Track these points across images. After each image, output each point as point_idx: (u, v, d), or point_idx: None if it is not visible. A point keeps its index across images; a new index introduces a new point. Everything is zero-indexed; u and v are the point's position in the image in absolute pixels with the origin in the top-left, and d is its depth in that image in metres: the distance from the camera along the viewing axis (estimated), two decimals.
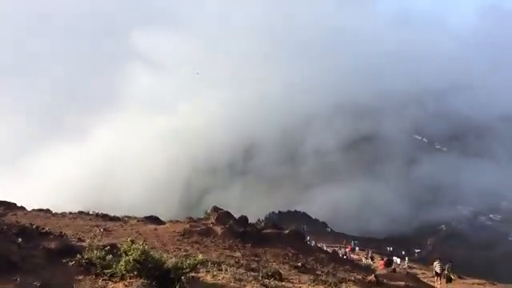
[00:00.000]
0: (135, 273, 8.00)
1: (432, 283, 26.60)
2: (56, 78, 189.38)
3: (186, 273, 8.25)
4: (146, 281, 7.72)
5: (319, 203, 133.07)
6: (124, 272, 8.13)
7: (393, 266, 31.25)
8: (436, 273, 29.14)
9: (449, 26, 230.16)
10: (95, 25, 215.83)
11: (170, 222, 23.13)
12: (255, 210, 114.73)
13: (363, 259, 41.81)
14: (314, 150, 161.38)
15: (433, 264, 31.30)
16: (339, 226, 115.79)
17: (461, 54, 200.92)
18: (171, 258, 9.39)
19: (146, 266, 7.95)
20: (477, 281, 32.45)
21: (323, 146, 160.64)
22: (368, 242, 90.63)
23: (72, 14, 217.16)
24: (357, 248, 65.90)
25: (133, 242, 8.55)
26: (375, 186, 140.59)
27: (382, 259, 35.02)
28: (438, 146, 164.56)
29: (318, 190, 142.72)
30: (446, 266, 29.38)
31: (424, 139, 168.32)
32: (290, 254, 21.28)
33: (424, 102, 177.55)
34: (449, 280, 27.76)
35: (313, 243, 44.75)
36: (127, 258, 8.06)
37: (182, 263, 8.27)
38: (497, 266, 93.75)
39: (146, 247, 8.56)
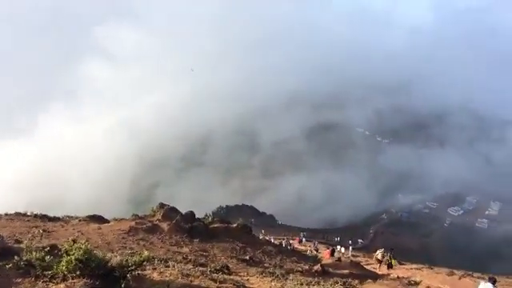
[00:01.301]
0: (77, 273, 7.73)
1: (374, 269, 27.74)
2: (12, 73, 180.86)
3: (132, 270, 8.08)
4: (89, 280, 7.48)
5: (279, 193, 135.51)
6: (66, 272, 7.83)
7: (336, 255, 32.24)
8: (378, 260, 30.44)
9: (405, 22, 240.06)
10: (56, 20, 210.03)
11: (115, 220, 22.54)
12: (214, 201, 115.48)
13: (308, 250, 42.77)
14: (273, 139, 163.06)
15: (376, 252, 32.68)
16: (301, 215, 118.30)
17: (418, 48, 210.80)
18: (116, 256, 9.16)
19: (89, 266, 7.70)
20: (415, 266, 34.20)
21: (282, 136, 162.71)
22: (316, 233, 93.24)
23: (32, 9, 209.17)
24: (304, 239, 67.30)
25: (74, 241, 8.26)
26: (335, 175, 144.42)
27: (328, 249, 36.01)
28: (379, 139, 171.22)
29: (278, 180, 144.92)
30: (388, 253, 30.77)
31: (366, 132, 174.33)
32: (238, 248, 21.40)
33: (384, 94, 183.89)
34: (390, 266, 29.06)
35: (261, 236, 45.29)
36: (69, 257, 7.77)
37: (126, 261, 8.09)
38: (433, 251, 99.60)
39: (89, 246, 8.29)
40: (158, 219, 22.19)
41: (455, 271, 30.49)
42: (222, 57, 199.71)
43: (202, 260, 16.11)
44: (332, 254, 29.65)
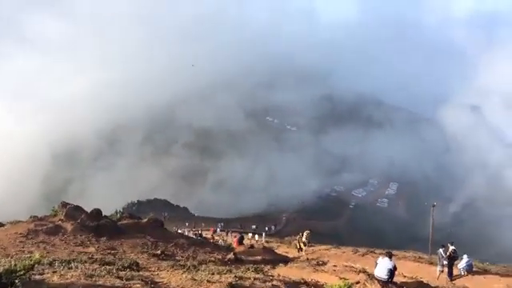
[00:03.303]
0: None
1: (286, 253, 28.72)
2: None
3: (21, 276, 7.45)
4: None
5: (209, 180, 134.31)
6: None
7: (246, 243, 32.72)
8: (304, 243, 31.10)
9: (328, 15, 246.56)
10: None
11: (10, 223, 20.78)
12: (138, 192, 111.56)
13: (219, 240, 43.07)
14: (204, 123, 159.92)
15: (299, 235, 33.38)
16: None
17: (345, 39, 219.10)
18: (10, 261, 8.40)
19: None
20: (324, 247, 35.96)
21: (217, 119, 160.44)
22: (232, 222, 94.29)
23: None
24: (219, 230, 67.76)
25: None
26: (273, 160, 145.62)
27: (235, 237, 36.38)
28: (288, 127, 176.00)
29: (211, 164, 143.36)
30: (297, 237, 31.84)
31: (275, 120, 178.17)
32: (149, 243, 20.90)
33: (314, 82, 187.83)
34: (300, 249, 30.16)
35: (174, 229, 44.67)
36: None
37: (15, 266, 7.43)
38: (341, 232, 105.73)
39: None
40: (60, 219, 20.85)
41: (359, 249, 32.49)
42: (149, 47, 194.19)
43: (110, 258, 15.45)
44: (240, 241, 29.99)
